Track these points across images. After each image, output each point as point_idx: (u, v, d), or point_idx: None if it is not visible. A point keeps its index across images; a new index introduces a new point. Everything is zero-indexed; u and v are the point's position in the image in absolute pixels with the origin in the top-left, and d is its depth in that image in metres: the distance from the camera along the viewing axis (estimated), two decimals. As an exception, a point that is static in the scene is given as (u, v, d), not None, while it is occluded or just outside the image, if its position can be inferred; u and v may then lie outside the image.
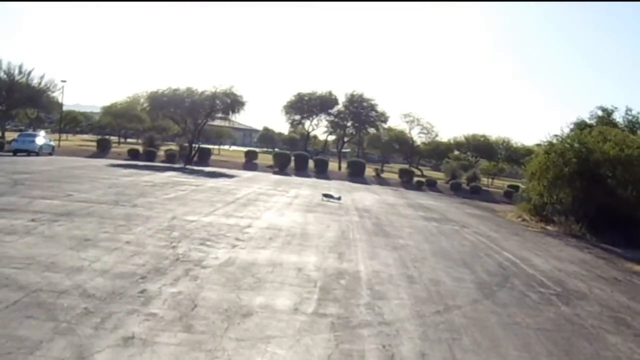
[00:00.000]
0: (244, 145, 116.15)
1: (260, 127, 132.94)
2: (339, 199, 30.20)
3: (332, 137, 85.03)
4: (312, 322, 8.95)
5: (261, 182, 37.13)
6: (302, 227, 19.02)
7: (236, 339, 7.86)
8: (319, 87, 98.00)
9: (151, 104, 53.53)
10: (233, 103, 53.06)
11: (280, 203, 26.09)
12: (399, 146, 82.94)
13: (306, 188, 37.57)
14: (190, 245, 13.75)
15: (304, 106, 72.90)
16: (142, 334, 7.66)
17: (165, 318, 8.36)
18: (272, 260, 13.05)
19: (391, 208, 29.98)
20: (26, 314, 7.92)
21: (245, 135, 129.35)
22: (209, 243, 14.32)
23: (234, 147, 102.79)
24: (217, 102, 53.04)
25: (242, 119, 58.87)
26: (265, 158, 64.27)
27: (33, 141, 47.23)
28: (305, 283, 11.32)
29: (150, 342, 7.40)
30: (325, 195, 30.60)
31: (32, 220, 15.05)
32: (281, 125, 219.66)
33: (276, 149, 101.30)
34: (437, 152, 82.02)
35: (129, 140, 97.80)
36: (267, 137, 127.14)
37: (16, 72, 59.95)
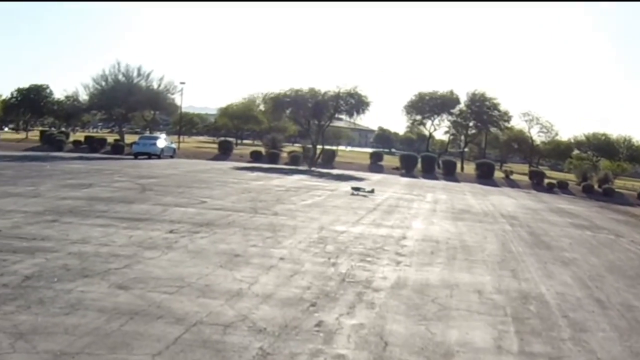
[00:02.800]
0: (359, 145, 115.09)
1: (375, 127, 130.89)
2: (372, 191, 28.61)
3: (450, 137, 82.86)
4: (524, 366, 7.27)
5: (394, 186, 35.51)
6: (458, 237, 17.24)
7: (449, 391, 6.33)
8: (438, 87, 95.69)
9: (273, 105, 53.16)
10: (357, 103, 52.16)
11: (423, 210, 24.40)
12: (518, 145, 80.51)
13: (441, 192, 35.78)
14: (351, 262, 12.21)
15: (425, 106, 71.06)
16: (339, 385, 6.17)
17: (358, 362, 6.83)
18: (445, 281, 11.38)
19: (535, 214, 27.79)
20: (193, 358, 6.50)
21: (360, 135, 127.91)
22: (369, 259, 12.76)
23: (349, 148, 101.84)
24: (341, 102, 52.09)
25: (359, 119, 57.62)
26: (386, 159, 62.69)
27: (154, 144, 47.16)
28: (493, 310, 9.64)
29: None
30: (355, 189, 28.87)
31: (171, 231, 14.00)
32: (397, 125, 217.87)
33: (393, 150, 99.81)
34: (557, 152, 79.38)
35: (245, 141, 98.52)
36: (383, 138, 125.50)
37: (135, 74, 60.73)
